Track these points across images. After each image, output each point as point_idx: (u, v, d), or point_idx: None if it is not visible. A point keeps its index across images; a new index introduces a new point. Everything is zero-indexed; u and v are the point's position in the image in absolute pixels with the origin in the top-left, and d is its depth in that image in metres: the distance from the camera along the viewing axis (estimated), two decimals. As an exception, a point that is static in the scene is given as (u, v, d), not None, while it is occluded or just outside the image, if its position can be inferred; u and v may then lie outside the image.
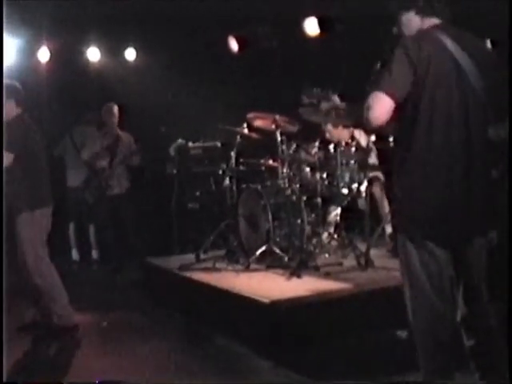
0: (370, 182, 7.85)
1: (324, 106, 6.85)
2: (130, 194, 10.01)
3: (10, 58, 8.55)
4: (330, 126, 8.28)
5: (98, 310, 7.76)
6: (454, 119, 3.76)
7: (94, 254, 10.80)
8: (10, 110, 6.80)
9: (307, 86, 6.60)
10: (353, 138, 7.73)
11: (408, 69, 3.74)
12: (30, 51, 10.12)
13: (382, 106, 3.76)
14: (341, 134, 8.13)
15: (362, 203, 8.06)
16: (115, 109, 9.91)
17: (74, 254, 10.80)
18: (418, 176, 3.83)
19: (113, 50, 11.15)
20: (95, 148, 9.89)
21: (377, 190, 8.32)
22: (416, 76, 3.74)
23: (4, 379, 5.02)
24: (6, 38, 7.90)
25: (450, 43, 3.80)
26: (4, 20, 6.81)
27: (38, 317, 7.08)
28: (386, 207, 8.38)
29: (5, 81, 6.88)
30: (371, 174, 7.92)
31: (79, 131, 10.58)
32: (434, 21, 3.96)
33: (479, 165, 3.79)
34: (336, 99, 6.00)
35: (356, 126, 7.91)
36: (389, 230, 8.31)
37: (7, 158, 6.56)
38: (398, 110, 3.79)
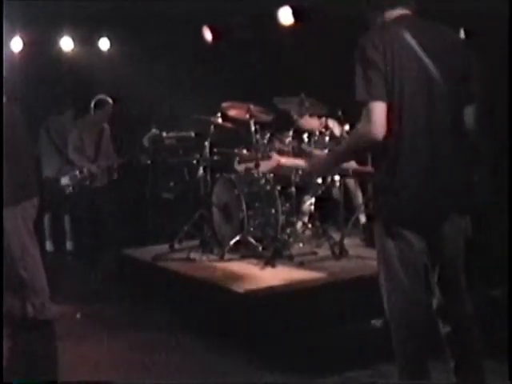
0: (343, 175, 7.84)
1: (308, 123, 6.90)
2: (109, 186, 9.95)
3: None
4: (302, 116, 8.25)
5: (74, 302, 7.71)
6: (419, 108, 3.79)
7: (69, 245, 10.73)
8: None
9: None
10: (326, 127, 7.71)
11: (381, 69, 3.75)
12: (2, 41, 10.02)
13: (380, 116, 3.74)
14: (313, 123, 8.11)
15: (336, 193, 8.08)
16: (109, 102, 9.83)
17: (49, 245, 10.72)
18: (389, 164, 3.84)
19: (86, 40, 11.06)
20: (75, 139, 9.78)
21: (350, 180, 8.32)
22: (387, 74, 3.76)
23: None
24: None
25: (409, 36, 3.80)
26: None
27: (15, 309, 7.04)
28: (359, 197, 8.41)
29: None
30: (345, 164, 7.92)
31: (54, 121, 10.52)
32: (397, 12, 3.96)
33: (446, 149, 3.83)
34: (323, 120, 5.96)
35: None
36: (363, 219, 8.33)
37: None
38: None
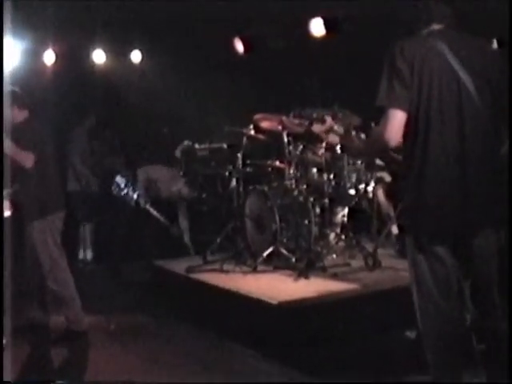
0: (377, 183, 7.82)
1: (316, 128, 6.86)
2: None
3: (16, 60, 8.54)
4: None
5: (106, 312, 7.75)
6: (448, 121, 3.77)
7: (89, 254, 10.78)
8: (16, 115, 6.84)
9: (298, 104, 6.59)
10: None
11: (405, 78, 3.75)
12: (35, 54, 10.10)
13: (396, 124, 3.77)
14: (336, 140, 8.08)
15: (368, 204, 8.05)
16: None
17: (82, 256, 10.77)
18: (416, 178, 3.83)
19: (118, 52, 11.12)
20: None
21: (383, 191, 8.28)
22: (412, 83, 3.75)
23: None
24: (12, 40, 7.94)
25: (446, 49, 3.80)
26: (9, 22, 6.85)
27: (37, 320, 7.09)
28: (391, 208, 8.36)
29: (5, 88, 6.92)
30: (378, 175, 7.90)
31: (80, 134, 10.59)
32: (436, 26, 3.95)
33: (476, 163, 3.78)
34: (330, 121, 5.98)
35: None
36: (395, 230, 8.28)
37: (28, 159, 6.59)
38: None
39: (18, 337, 6.45)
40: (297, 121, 7.91)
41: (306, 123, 5.94)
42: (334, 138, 7.89)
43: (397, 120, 3.76)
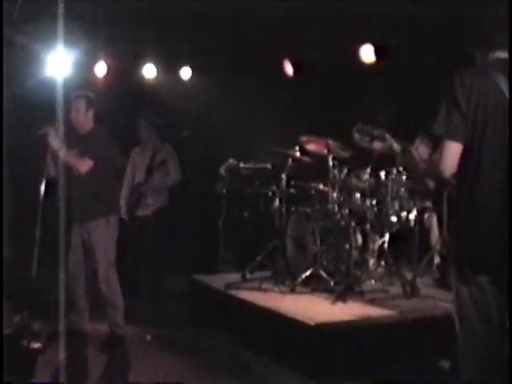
0: (420, 211, 7.84)
1: (377, 145, 6.88)
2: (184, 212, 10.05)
3: (68, 71, 8.66)
4: None
5: (142, 322, 7.85)
6: (498, 153, 3.79)
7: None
8: (89, 120, 7.03)
9: (361, 121, 6.63)
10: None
11: (463, 109, 3.79)
12: (87, 65, 10.22)
13: (452, 156, 3.83)
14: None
15: (410, 232, 8.05)
16: None
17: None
18: (468, 211, 3.86)
19: (168, 68, 11.21)
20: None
21: (426, 219, 8.29)
22: (468, 115, 3.79)
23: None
24: (65, 50, 8.08)
25: (502, 79, 3.83)
26: (62, 33, 7.02)
27: (77, 326, 7.18)
28: (435, 237, 8.36)
29: (83, 92, 7.11)
30: (423, 203, 7.92)
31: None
32: (497, 55, 3.98)
33: None
34: (390, 140, 6.01)
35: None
36: (437, 259, 8.28)
37: (86, 164, 6.75)
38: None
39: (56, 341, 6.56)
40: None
41: (368, 139, 5.99)
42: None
43: (453, 151, 3.81)
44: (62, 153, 6.75)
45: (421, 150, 6.44)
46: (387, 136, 6.09)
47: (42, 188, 6.65)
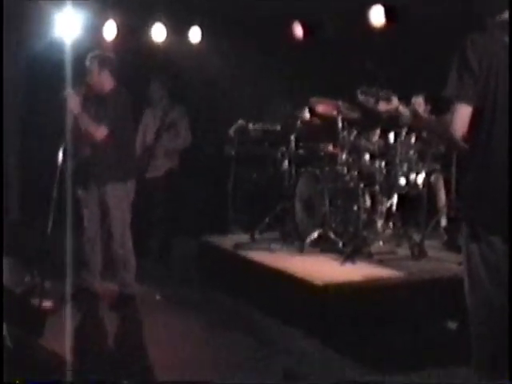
0: (429, 173, 7.86)
1: (382, 106, 6.85)
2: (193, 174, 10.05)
3: (77, 33, 8.60)
4: None
5: (153, 283, 7.92)
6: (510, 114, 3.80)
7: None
8: (106, 80, 7.00)
9: (365, 83, 6.60)
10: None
11: (475, 71, 3.80)
12: (96, 27, 10.11)
13: (462, 118, 3.82)
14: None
15: (418, 194, 8.07)
16: None
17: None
18: (481, 172, 3.87)
19: (179, 28, 11.12)
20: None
21: (435, 182, 8.30)
22: (481, 76, 3.80)
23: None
24: (73, 12, 8.06)
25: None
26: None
27: (86, 284, 7.27)
28: (442, 200, 8.37)
29: (97, 52, 7.09)
30: (432, 166, 7.92)
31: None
32: (505, 16, 3.97)
33: None
34: (396, 101, 5.99)
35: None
36: (444, 222, 8.30)
37: (101, 131, 6.77)
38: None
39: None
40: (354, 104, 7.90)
41: (372, 101, 5.97)
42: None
43: (464, 113, 3.80)
44: (80, 117, 6.78)
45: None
46: (393, 97, 6.08)
47: (60, 153, 6.67)
